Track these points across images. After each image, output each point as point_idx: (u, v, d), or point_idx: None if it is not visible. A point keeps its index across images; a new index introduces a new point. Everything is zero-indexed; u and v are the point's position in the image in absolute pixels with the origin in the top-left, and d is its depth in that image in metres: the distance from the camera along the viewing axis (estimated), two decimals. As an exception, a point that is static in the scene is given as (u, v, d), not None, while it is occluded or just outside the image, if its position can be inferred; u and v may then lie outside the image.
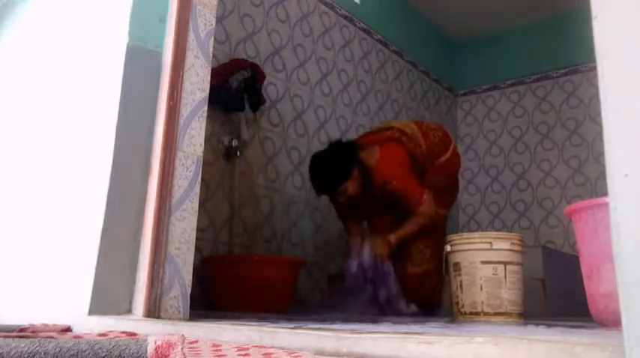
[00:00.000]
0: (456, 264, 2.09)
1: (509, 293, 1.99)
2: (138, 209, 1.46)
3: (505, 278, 1.99)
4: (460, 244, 2.09)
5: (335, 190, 2.54)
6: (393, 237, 2.50)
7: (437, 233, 2.60)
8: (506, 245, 2.03)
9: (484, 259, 2.01)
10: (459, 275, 2.06)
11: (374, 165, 2.53)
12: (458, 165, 2.81)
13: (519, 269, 2.05)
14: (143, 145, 1.50)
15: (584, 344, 0.65)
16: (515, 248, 2.05)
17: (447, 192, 2.75)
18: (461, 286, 2.05)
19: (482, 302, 1.98)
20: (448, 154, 2.68)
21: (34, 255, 1.67)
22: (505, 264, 2.00)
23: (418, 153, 2.58)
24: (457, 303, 2.07)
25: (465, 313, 2.02)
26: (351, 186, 2.51)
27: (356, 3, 3.82)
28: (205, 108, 1.59)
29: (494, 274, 1.99)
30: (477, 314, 1.99)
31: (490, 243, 2.03)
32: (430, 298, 2.67)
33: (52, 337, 1.01)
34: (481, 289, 1.99)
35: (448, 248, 2.12)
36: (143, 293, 1.39)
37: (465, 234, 2.20)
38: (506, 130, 4.66)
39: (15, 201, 1.89)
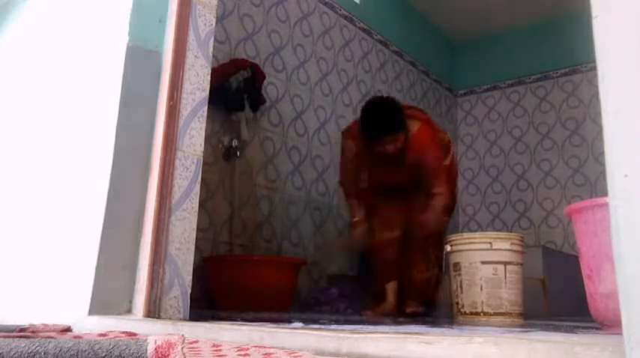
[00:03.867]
0: (456, 264, 2.09)
1: (509, 293, 1.99)
2: (138, 209, 1.46)
3: (505, 278, 1.99)
4: (460, 244, 2.09)
5: (394, 133, 2.42)
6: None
7: (441, 238, 2.60)
8: (506, 245, 2.03)
9: (484, 259, 2.01)
10: (459, 275, 2.06)
11: (414, 133, 2.49)
12: (455, 174, 2.80)
13: (519, 269, 2.04)
14: (143, 145, 1.50)
15: (584, 344, 0.65)
16: (515, 248, 2.05)
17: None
18: (461, 286, 2.05)
19: (483, 303, 1.98)
20: (447, 161, 2.68)
21: (34, 255, 1.67)
22: (505, 264, 2.00)
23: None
24: (457, 303, 2.06)
25: (465, 313, 2.02)
26: (400, 141, 2.45)
27: (356, 3, 3.82)
28: (205, 108, 1.59)
29: (494, 274, 1.99)
30: (477, 314, 1.99)
31: (490, 243, 2.03)
32: (431, 297, 2.67)
33: (52, 337, 1.01)
34: (481, 289, 1.99)
35: (448, 248, 2.12)
36: (143, 293, 1.39)
37: (466, 234, 2.20)
38: (506, 130, 4.66)
39: (15, 202, 1.89)
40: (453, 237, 2.16)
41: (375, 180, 2.63)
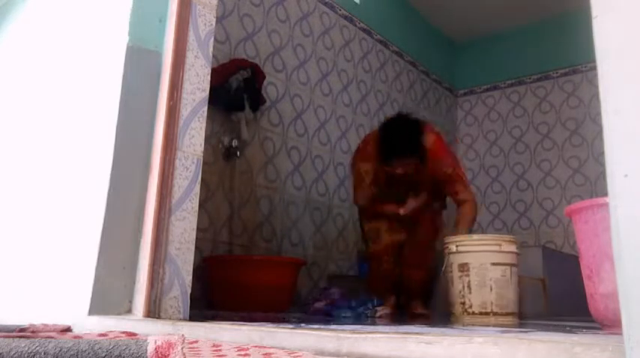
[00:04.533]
0: (464, 265, 2.09)
1: (513, 294, 2.03)
2: (138, 209, 1.46)
3: (511, 279, 2.03)
4: (469, 245, 2.10)
5: (406, 156, 2.36)
6: (462, 230, 2.45)
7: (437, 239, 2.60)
8: (512, 247, 2.08)
9: (494, 261, 2.04)
10: (467, 275, 2.07)
11: (431, 146, 2.47)
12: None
13: (516, 271, 2.10)
14: (143, 145, 1.50)
15: (584, 344, 0.65)
16: (517, 250, 2.10)
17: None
18: (469, 286, 2.06)
19: (492, 303, 2.01)
20: (463, 169, 2.71)
21: (34, 255, 1.67)
22: (511, 266, 2.05)
23: None
24: (463, 303, 2.07)
25: (474, 313, 2.03)
26: (415, 164, 2.41)
27: (356, 3, 3.82)
28: (205, 108, 1.59)
29: (502, 275, 2.02)
30: (487, 314, 2.01)
31: (500, 245, 2.06)
32: (428, 293, 2.68)
33: (52, 337, 1.01)
34: (491, 290, 2.02)
35: (454, 248, 2.12)
36: (143, 293, 1.39)
37: (476, 236, 2.22)
38: (506, 130, 4.66)
39: (15, 201, 1.89)
40: (461, 237, 2.17)
41: (397, 199, 2.58)
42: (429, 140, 2.47)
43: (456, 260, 2.12)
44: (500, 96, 4.74)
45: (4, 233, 1.87)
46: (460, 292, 2.09)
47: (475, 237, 2.20)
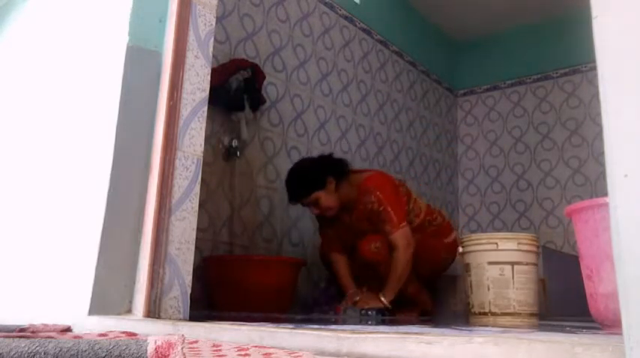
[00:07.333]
0: (467, 265, 2.10)
1: (517, 294, 1.97)
2: (138, 209, 1.46)
3: (513, 278, 1.98)
4: (469, 245, 2.10)
5: (303, 197, 2.48)
6: (386, 299, 2.37)
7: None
8: (512, 245, 2.02)
9: (491, 260, 2.02)
10: (469, 275, 2.08)
11: (363, 180, 2.49)
12: (452, 258, 2.68)
13: (530, 270, 2.01)
14: (143, 145, 1.50)
15: (584, 344, 0.65)
16: (524, 248, 2.03)
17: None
18: (470, 287, 2.06)
19: (490, 303, 1.99)
20: (450, 239, 2.66)
21: (34, 255, 1.67)
22: (512, 264, 2.00)
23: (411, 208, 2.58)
24: (468, 304, 2.08)
25: (475, 313, 2.03)
26: (325, 198, 2.45)
27: (356, 3, 3.82)
28: (205, 108, 1.59)
29: (500, 275, 1.99)
30: (485, 314, 2.00)
31: (496, 243, 2.03)
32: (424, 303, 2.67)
33: (52, 337, 1.01)
34: (488, 289, 2.00)
35: (460, 249, 2.13)
36: (143, 293, 1.39)
37: (474, 235, 2.20)
38: (506, 130, 4.66)
39: (15, 201, 1.89)
40: (464, 238, 2.17)
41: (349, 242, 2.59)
42: (362, 176, 2.53)
43: (462, 261, 2.14)
44: (500, 96, 4.74)
45: (4, 233, 1.87)
46: (465, 292, 2.10)
47: (473, 236, 2.18)
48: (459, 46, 4.98)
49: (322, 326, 1.17)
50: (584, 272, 1.40)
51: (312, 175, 2.48)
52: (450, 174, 4.74)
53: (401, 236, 2.40)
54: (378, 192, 2.42)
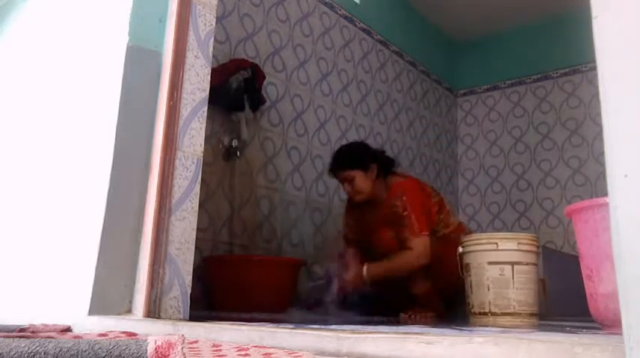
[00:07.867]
0: (467, 265, 2.10)
1: (517, 294, 1.97)
2: (138, 209, 1.46)
3: (513, 278, 1.98)
4: (469, 245, 2.10)
5: (345, 169, 2.51)
6: (366, 272, 2.41)
7: None
8: (512, 245, 2.02)
9: (491, 260, 2.01)
10: (469, 276, 2.07)
11: (396, 184, 2.52)
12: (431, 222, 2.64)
13: (530, 270, 2.01)
14: (143, 145, 1.50)
15: (584, 344, 0.65)
16: (524, 248, 2.02)
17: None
18: (470, 287, 2.06)
19: (490, 303, 1.99)
20: (426, 208, 2.62)
21: (34, 255, 1.67)
22: (513, 264, 1.99)
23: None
24: (468, 304, 2.08)
25: (475, 313, 2.03)
26: (361, 180, 2.49)
27: (356, 3, 3.82)
28: (205, 108, 1.59)
29: (500, 275, 1.99)
30: (485, 314, 1.99)
31: (496, 243, 2.03)
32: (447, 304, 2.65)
33: (52, 337, 1.01)
34: (488, 289, 2.00)
35: (460, 249, 2.13)
36: (143, 293, 1.39)
37: (474, 236, 2.20)
38: (506, 130, 4.66)
39: (15, 201, 1.89)
40: (464, 238, 2.17)
41: (366, 247, 2.59)
42: (397, 179, 2.57)
43: (463, 261, 2.13)
44: (500, 96, 4.74)
45: (4, 233, 1.87)
46: (467, 293, 2.10)
47: (474, 236, 2.18)
48: (459, 46, 4.98)
49: (322, 326, 1.17)
50: (584, 272, 1.40)
51: (361, 155, 2.55)
52: (450, 174, 4.74)
53: (419, 243, 2.39)
54: (405, 198, 2.45)
